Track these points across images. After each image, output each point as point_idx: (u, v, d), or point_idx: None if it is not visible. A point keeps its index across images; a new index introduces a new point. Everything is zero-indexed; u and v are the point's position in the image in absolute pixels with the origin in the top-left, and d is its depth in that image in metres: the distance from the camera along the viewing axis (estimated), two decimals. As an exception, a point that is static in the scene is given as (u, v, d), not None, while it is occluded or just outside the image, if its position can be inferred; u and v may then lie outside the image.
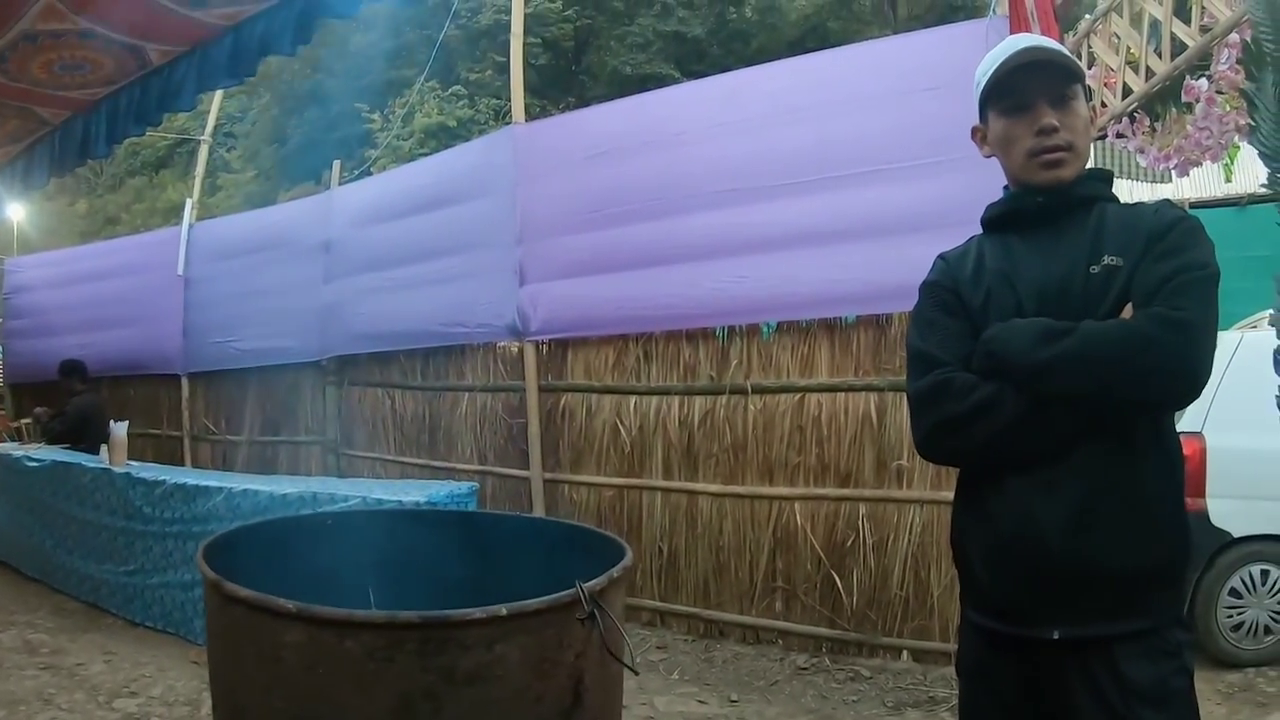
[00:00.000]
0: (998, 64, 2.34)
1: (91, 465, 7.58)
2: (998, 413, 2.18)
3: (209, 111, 12.39)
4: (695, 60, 29.94)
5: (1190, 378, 2.11)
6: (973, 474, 2.37)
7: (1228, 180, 11.78)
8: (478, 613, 2.24)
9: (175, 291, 11.03)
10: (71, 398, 9.91)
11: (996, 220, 2.45)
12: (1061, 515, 2.12)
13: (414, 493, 6.14)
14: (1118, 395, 2.10)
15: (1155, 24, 4.69)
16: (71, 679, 5.90)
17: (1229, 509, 6.18)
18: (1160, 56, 4.67)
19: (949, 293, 2.40)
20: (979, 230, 2.50)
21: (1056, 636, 2.14)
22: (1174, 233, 2.18)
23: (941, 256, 2.52)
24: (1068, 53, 2.36)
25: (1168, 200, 2.38)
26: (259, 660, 2.39)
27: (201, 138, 12.63)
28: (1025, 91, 2.31)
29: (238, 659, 2.50)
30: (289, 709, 2.34)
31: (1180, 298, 2.08)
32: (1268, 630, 6.26)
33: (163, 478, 6.90)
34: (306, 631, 2.28)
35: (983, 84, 2.39)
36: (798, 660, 6.37)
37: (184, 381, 11.18)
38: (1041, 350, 2.12)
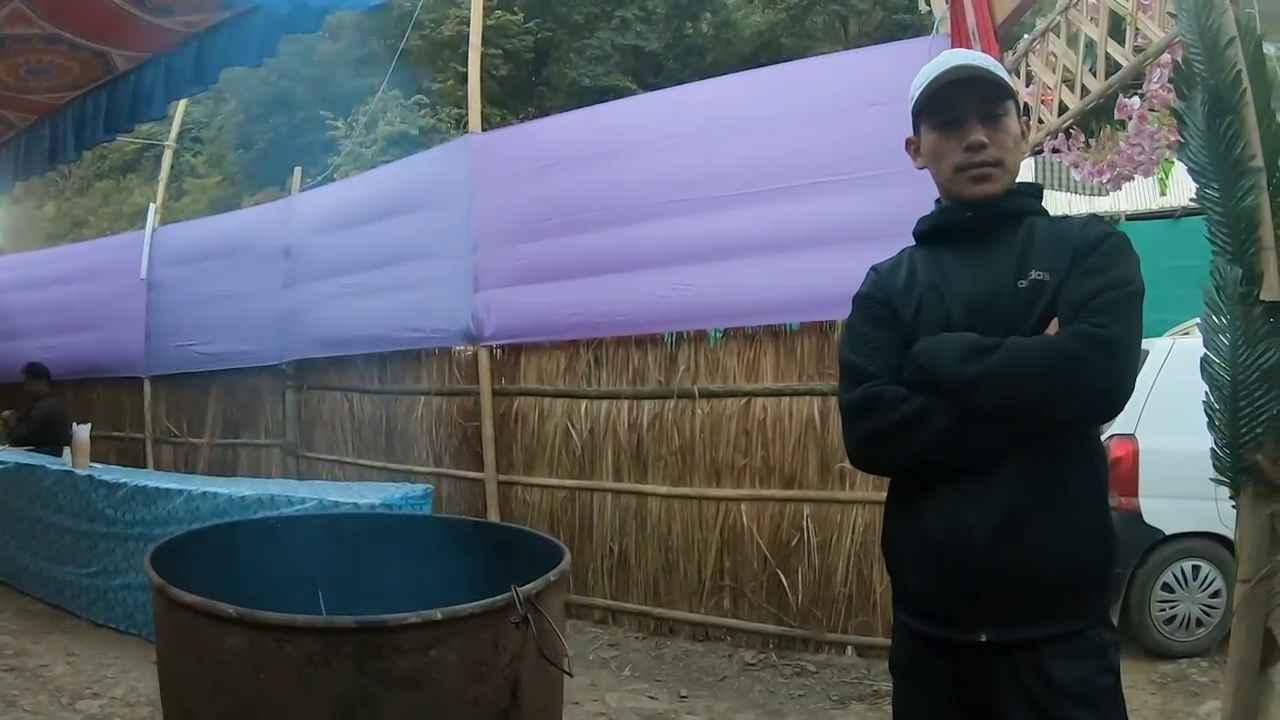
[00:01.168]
0: (930, 78, 2.34)
1: (54, 468, 7.47)
2: (926, 425, 2.20)
3: (174, 116, 12.27)
4: (652, 74, 29.94)
5: (1113, 394, 2.13)
6: (903, 482, 2.38)
7: (1162, 194, 11.90)
8: (413, 617, 2.24)
9: (138, 295, 10.91)
10: (37, 401, 9.81)
11: (928, 233, 2.45)
12: (989, 523, 2.13)
13: (370, 495, 6.11)
14: (1042, 410, 2.12)
15: (1091, 44, 4.72)
16: (35, 680, 5.84)
17: (1161, 508, 6.30)
18: (1095, 75, 4.70)
19: (880, 305, 2.40)
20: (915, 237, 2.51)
21: (984, 639, 2.15)
22: (1100, 249, 2.19)
23: (874, 268, 2.51)
24: (1000, 69, 2.36)
25: (1095, 215, 2.39)
26: (203, 663, 2.39)
27: (166, 143, 12.49)
28: (956, 107, 2.31)
29: (184, 662, 2.50)
30: (232, 711, 2.34)
31: (1104, 315, 2.09)
32: (1199, 623, 6.38)
33: (124, 480, 6.84)
34: (248, 636, 2.27)
35: (916, 98, 2.39)
36: (745, 656, 6.41)
37: (146, 384, 11.06)
38: (969, 365, 2.13)
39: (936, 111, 2.34)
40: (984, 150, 2.28)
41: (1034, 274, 2.21)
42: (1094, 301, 2.11)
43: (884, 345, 2.34)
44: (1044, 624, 2.13)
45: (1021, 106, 2.40)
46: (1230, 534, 3.50)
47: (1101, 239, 2.22)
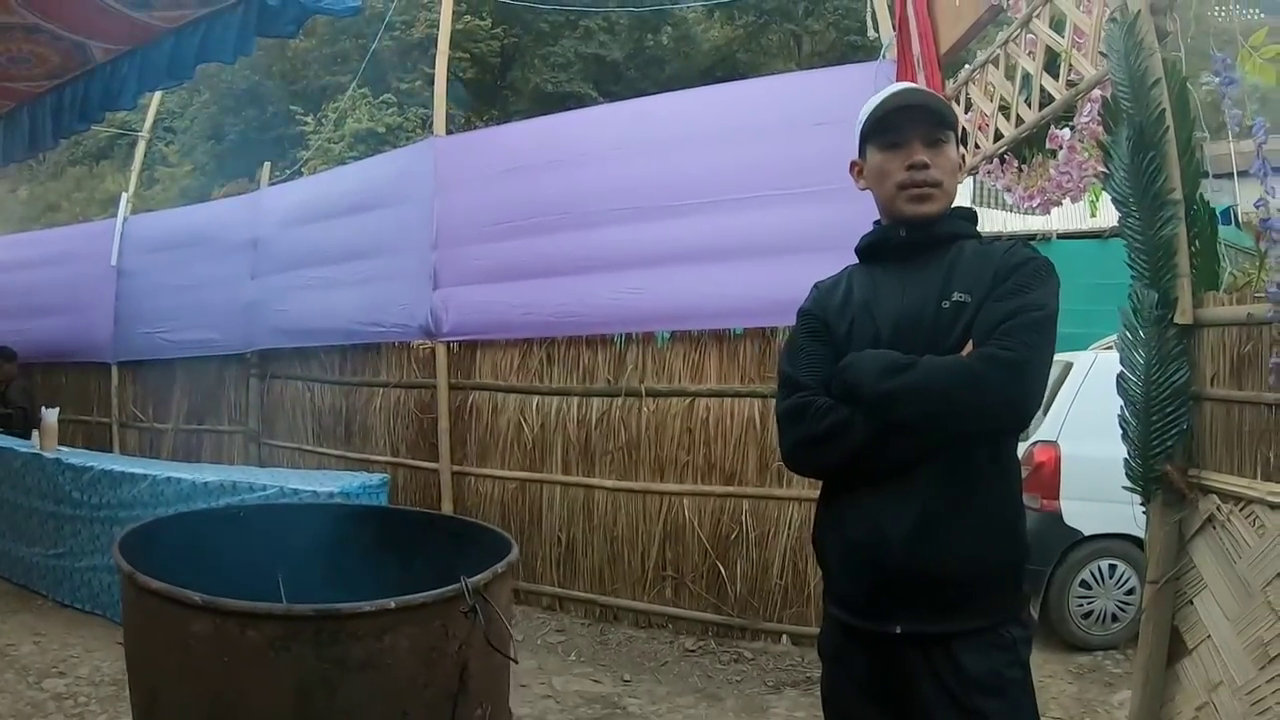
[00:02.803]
0: (880, 103, 2.41)
1: (22, 450, 7.40)
2: (849, 435, 2.27)
3: (149, 107, 12.17)
4: (613, 82, 29.93)
5: (1016, 411, 2.21)
6: (832, 483, 2.45)
7: (1093, 215, 12.07)
8: (367, 606, 2.28)
9: (108, 282, 10.80)
10: (10, 384, 9.71)
11: (865, 250, 2.52)
12: (905, 525, 2.21)
13: (329, 483, 6.12)
14: (951, 424, 2.19)
15: (1027, 76, 4.77)
16: (1, 659, 5.79)
17: (1081, 510, 6.44)
18: (1030, 106, 4.76)
19: (818, 321, 2.48)
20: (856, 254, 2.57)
21: (899, 631, 2.23)
22: (1019, 274, 2.26)
23: (816, 285, 2.59)
24: (944, 101, 2.43)
25: (1019, 241, 2.46)
26: (169, 648, 2.41)
27: (141, 134, 12.36)
28: (902, 129, 2.37)
29: (150, 647, 2.51)
30: (198, 694, 2.36)
31: (1012, 337, 2.15)
32: (1114, 618, 6.53)
33: (91, 463, 6.79)
34: (212, 622, 2.30)
35: (865, 121, 2.45)
36: (686, 643, 6.47)
37: (114, 370, 10.95)
38: (886, 381, 2.20)
39: (884, 133, 2.40)
40: (926, 170, 2.34)
41: (956, 295, 2.28)
42: (1005, 324, 2.18)
43: (818, 359, 2.42)
44: (955, 619, 2.21)
45: (960, 134, 2.47)
46: (1145, 535, 3.59)
47: (1022, 263, 2.29)
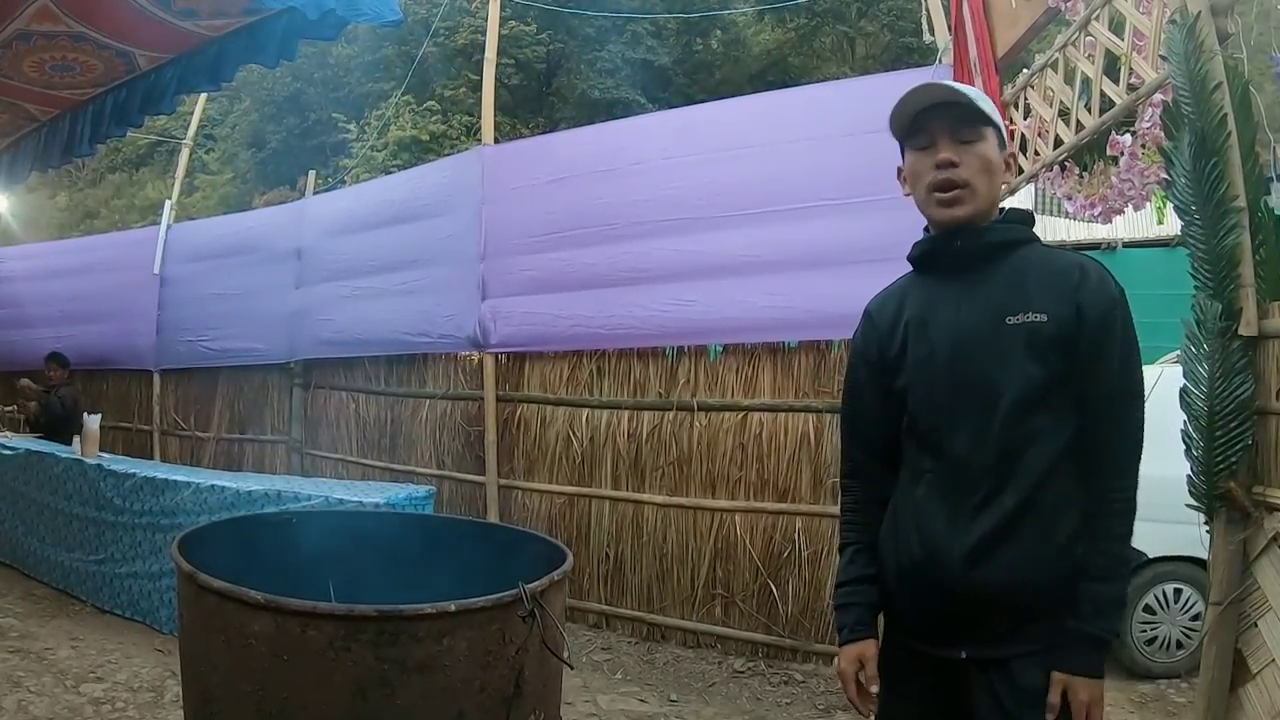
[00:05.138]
0: (907, 104, 2.39)
1: (64, 456, 7.54)
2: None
3: (191, 114, 12.37)
4: (661, 88, 29.84)
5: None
6: (891, 507, 2.48)
7: (1160, 223, 11.97)
8: (428, 608, 2.36)
9: (151, 290, 11.03)
10: (61, 388, 9.89)
11: (918, 260, 2.49)
12: (963, 549, 2.24)
13: (374, 494, 6.19)
14: None
15: (1086, 81, 4.77)
16: (40, 663, 5.89)
17: (1144, 531, 6.28)
18: (1090, 111, 4.76)
19: (864, 362, 2.53)
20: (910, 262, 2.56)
21: (964, 656, 2.26)
22: (1119, 332, 2.24)
23: (867, 310, 2.57)
24: (981, 99, 2.37)
25: (1082, 257, 2.42)
26: (228, 646, 2.48)
27: (184, 141, 12.56)
28: (929, 129, 2.36)
29: (208, 645, 2.58)
30: (255, 692, 2.43)
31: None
32: (1179, 645, 6.44)
33: (133, 470, 6.93)
34: (273, 621, 2.38)
35: (895, 125, 2.44)
36: (735, 664, 6.50)
37: (156, 377, 11.19)
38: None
39: (914, 135, 2.40)
40: (953, 169, 2.32)
41: (1028, 315, 2.24)
42: (1131, 399, 2.26)
43: (864, 407, 2.54)
44: (1017, 642, 2.22)
45: (1007, 136, 2.44)
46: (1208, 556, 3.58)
47: (1112, 310, 2.24)
